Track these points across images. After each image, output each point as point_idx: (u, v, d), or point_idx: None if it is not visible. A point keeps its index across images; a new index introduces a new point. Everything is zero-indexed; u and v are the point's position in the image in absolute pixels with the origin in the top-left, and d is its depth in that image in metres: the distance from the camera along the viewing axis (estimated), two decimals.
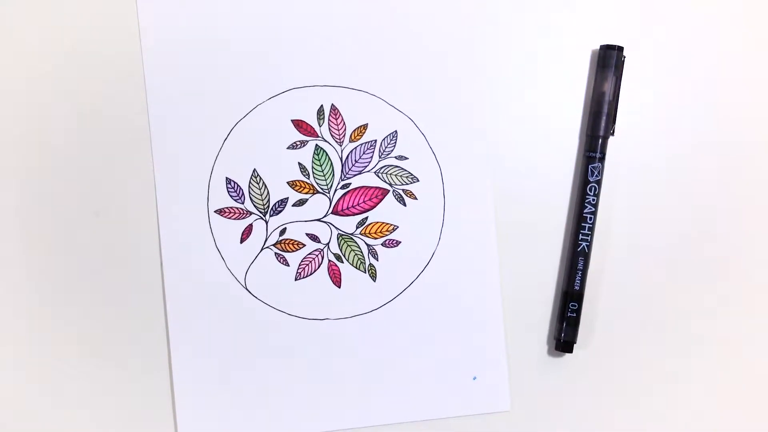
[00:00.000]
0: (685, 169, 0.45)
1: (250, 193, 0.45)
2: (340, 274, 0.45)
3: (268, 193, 0.45)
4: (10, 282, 0.44)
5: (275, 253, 0.45)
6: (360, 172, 0.45)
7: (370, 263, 0.45)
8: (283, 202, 0.45)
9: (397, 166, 0.45)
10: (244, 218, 0.45)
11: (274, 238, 0.45)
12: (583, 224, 0.44)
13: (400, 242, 0.45)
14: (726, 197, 0.46)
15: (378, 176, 0.45)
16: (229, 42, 0.44)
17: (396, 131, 0.45)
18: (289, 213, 0.45)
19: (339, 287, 0.45)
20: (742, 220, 0.46)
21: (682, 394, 0.45)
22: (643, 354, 0.45)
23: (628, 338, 0.45)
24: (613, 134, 0.44)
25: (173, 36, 0.44)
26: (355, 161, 0.45)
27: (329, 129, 0.45)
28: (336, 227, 0.45)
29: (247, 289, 0.44)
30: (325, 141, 0.45)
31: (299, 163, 0.45)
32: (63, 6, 0.44)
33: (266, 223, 0.45)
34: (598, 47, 0.44)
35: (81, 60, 0.44)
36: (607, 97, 0.43)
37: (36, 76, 0.44)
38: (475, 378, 0.45)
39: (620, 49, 0.43)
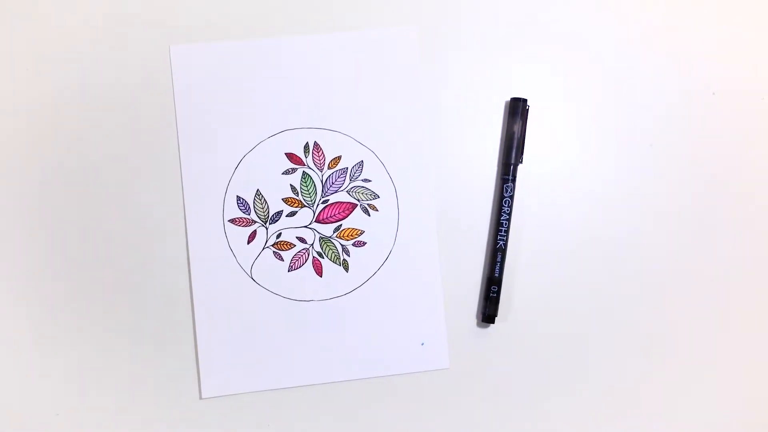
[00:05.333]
0: (575, 187, 0.52)
1: (254, 206, 0.51)
2: (321, 267, 0.51)
3: (268, 207, 0.51)
4: (64, 268, 0.50)
5: (273, 252, 0.51)
6: (336, 191, 0.51)
7: (344, 258, 0.51)
8: (279, 214, 0.51)
9: (363, 187, 0.51)
10: (250, 225, 0.51)
11: (273, 240, 0.51)
12: (500, 228, 0.51)
13: (366, 243, 0.51)
14: (605, 206, 0.52)
15: (349, 194, 0.51)
16: (240, 97, 0.51)
17: (362, 161, 0.51)
18: (283, 221, 0.51)
19: (321, 276, 0.51)
20: (625, 223, 0.52)
21: (580, 354, 0.51)
22: (548, 323, 0.51)
23: (536, 312, 0.51)
24: (521, 162, 0.51)
25: (200, 90, 0.51)
26: (332, 183, 0.51)
27: (313, 159, 0.51)
28: (318, 232, 0.51)
29: (252, 278, 0.50)
30: (310, 168, 0.51)
31: (291, 185, 0.51)
32: (105, 61, 0.51)
33: (266, 229, 0.51)
34: (509, 99, 0.52)
35: (123, 105, 0.51)
36: (516, 135, 0.51)
37: (83, 112, 0.51)
38: (423, 343, 0.50)
39: (524, 100, 0.51)
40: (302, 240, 0.51)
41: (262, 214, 0.51)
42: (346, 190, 0.52)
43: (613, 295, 0.52)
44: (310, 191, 0.51)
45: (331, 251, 0.51)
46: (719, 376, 0.52)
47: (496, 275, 0.51)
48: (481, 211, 0.52)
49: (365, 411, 0.51)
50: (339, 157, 0.52)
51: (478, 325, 0.52)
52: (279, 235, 0.51)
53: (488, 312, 0.51)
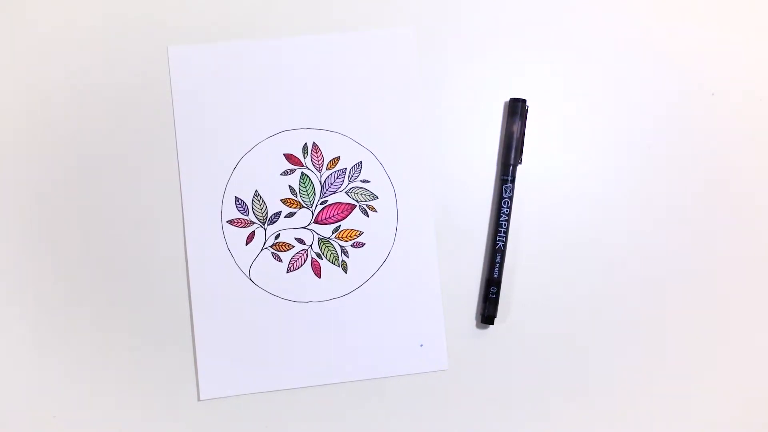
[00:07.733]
0: (575, 187, 0.52)
1: (253, 207, 0.51)
2: (320, 268, 0.51)
3: (266, 207, 0.51)
4: (67, 269, 0.50)
5: (272, 253, 0.51)
6: (335, 192, 0.52)
7: (343, 260, 0.51)
8: (277, 215, 0.51)
9: (361, 187, 0.52)
10: (248, 227, 0.51)
11: (271, 241, 0.51)
12: (499, 228, 0.51)
13: (365, 244, 0.51)
14: (604, 206, 0.52)
15: (348, 195, 0.52)
16: (239, 98, 0.52)
17: (361, 161, 0.52)
18: (282, 222, 0.51)
19: (319, 278, 0.51)
20: (624, 223, 0.52)
21: (579, 355, 0.51)
22: (547, 324, 0.51)
23: (535, 313, 0.52)
24: (521, 163, 0.52)
25: (198, 91, 0.51)
26: (331, 184, 0.52)
27: (311, 160, 0.52)
28: (317, 233, 0.51)
29: (251, 279, 0.51)
30: (309, 169, 0.52)
31: (289, 186, 0.51)
32: (103, 62, 0.52)
33: (265, 230, 0.51)
34: (508, 99, 0.52)
35: (121, 106, 0.51)
36: (515, 136, 0.51)
37: (81, 113, 0.51)
38: (421, 345, 0.51)
39: (524, 101, 0.51)
40: (301, 241, 0.52)
41: (261, 215, 0.51)
42: (345, 190, 0.52)
43: (612, 296, 0.52)
44: (308, 192, 0.52)
45: (329, 252, 0.52)
46: (719, 377, 0.53)
47: (495, 276, 0.51)
48: (480, 212, 0.53)
49: (364, 413, 0.51)
50: (338, 158, 0.52)
51: (477, 326, 0.52)
52: (277, 236, 0.51)
53: (487, 313, 0.51)
